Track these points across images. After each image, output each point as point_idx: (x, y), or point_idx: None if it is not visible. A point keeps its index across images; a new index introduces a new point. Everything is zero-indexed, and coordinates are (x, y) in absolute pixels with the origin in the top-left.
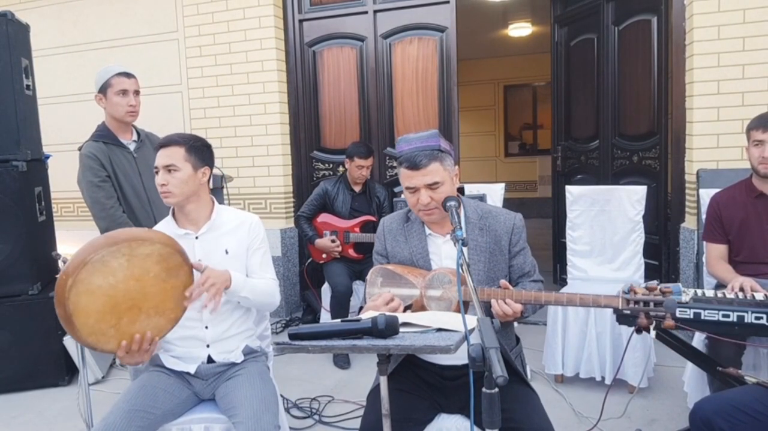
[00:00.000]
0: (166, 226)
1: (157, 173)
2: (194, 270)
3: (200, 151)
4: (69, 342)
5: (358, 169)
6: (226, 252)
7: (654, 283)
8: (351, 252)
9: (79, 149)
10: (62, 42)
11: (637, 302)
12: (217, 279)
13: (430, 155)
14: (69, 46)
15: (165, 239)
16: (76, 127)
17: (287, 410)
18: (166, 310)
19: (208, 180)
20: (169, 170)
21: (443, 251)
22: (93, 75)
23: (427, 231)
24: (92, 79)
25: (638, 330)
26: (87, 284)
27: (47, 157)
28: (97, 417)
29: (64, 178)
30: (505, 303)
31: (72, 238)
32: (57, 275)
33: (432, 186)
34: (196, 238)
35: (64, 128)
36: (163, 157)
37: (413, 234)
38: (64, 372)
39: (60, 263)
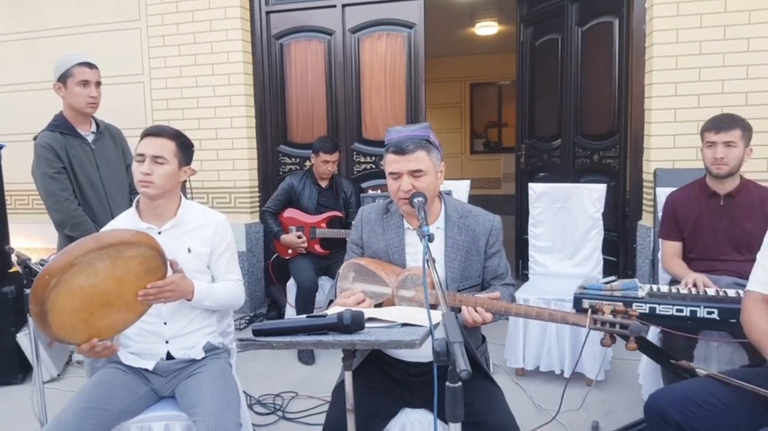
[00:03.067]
0: (127, 218)
1: (140, 161)
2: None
3: (188, 150)
4: (23, 339)
5: (324, 164)
6: (189, 251)
7: (612, 278)
8: (317, 248)
9: (34, 138)
10: (19, 28)
11: (603, 322)
12: (178, 288)
13: (418, 143)
14: (26, 33)
15: (150, 242)
16: (32, 116)
17: (250, 406)
18: (136, 305)
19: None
20: (157, 161)
21: (420, 246)
22: (51, 63)
23: (405, 225)
24: (50, 68)
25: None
26: (69, 284)
27: (0, 147)
28: (51, 415)
29: (18, 169)
30: (476, 311)
31: (26, 231)
32: (11, 269)
33: (415, 173)
34: (159, 233)
35: (19, 117)
36: (152, 146)
37: (391, 227)
38: (18, 369)
39: (13, 257)
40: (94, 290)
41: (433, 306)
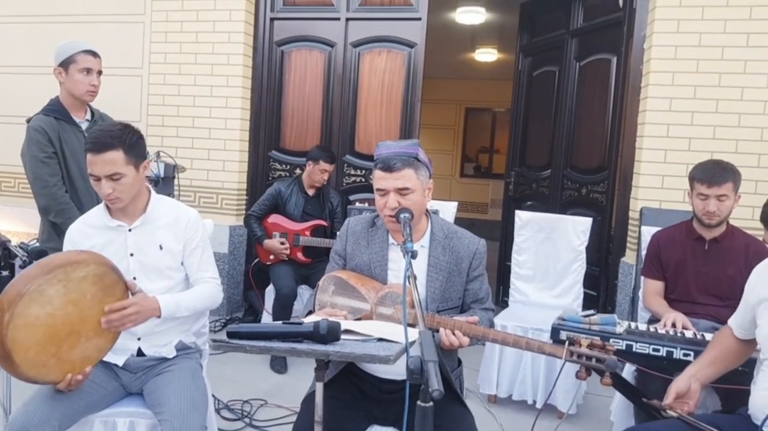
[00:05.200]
0: (97, 215)
1: (96, 180)
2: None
3: (137, 146)
4: None
5: (321, 173)
6: (161, 248)
7: (592, 311)
8: (299, 255)
9: (28, 121)
10: (22, 11)
11: (580, 355)
12: (143, 308)
13: (406, 161)
14: (29, 16)
15: (98, 258)
16: (28, 99)
17: (218, 411)
18: (105, 329)
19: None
20: (113, 179)
21: (403, 263)
22: (51, 48)
23: (390, 240)
24: (50, 52)
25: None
26: (24, 317)
27: None
28: (16, 402)
29: (7, 151)
30: (453, 335)
31: (12, 214)
32: None
33: (402, 191)
34: (129, 230)
35: (14, 99)
36: (101, 164)
37: (376, 241)
38: None
39: None
40: (54, 321)
41: (411, 325)
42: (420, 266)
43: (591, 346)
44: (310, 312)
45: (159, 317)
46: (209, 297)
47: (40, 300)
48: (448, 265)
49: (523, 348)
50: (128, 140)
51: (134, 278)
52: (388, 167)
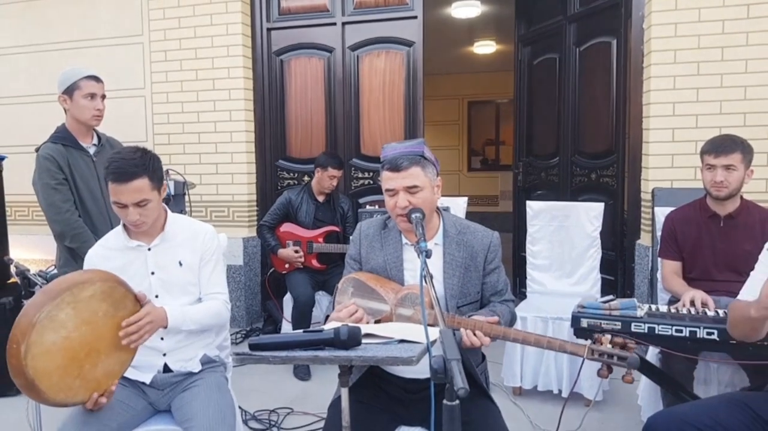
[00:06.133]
0: (115, 238)
1: (122, 208)
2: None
3: (158, 170)
4: None
5: (330, 179)
6: (180, 264)
7: (611, 297)
8: (314, 262)
9: (37, 150)
10: (23, 41)
11: (602, 354)
12: (156, 317)
13: (412, 159)
14: (30, 46)
15: (102, 275)
16: (34, 128)
17: (245, 422)
18: (124, 344)
19: None
20: (140, 205)
21: (418, 262)
22: (54, 76)
23: (404, 240)
24: (53, 81)
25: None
26: (40, 345)
27: (1, 158)
28: (47, 428)
29: (19, 180)
30: (474, 335)
31: (26, 243)
32: (10, 280)
33: (411, 189)
34: (149, 250)
35: (21, 128)
36: (127, 193)
37: (389, 242)
38: (13, 381)
39: (12, 268)
40: (71, 344)
41: (431, 325)
42: (436, 263)
43: (613, 344)
44: (327, 317)
45: (165, 327)
46: (216, 314)
47: (52, 326)
48: (463, 260)
49: (545, 347)
50: (150, 165)
51: (156, 296)
52: (395, 167)
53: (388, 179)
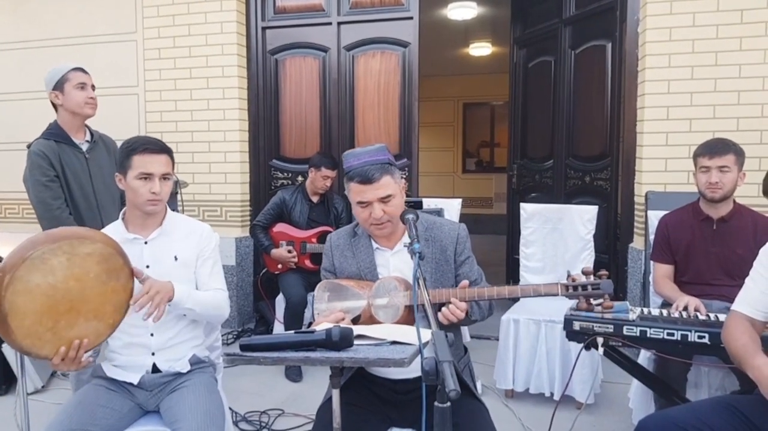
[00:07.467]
0: (114, 230)
1: (147, 179)
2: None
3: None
4: (8, 349)
5: (324, 179)
6: (176, 259)
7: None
8: (307, 263)
9: (28, 146)
10: (15, 38)
11: (576, 287)
12: (161, 288)
13: (382, 169)
14: (22, 42)
15: (106, 239)
16: (26, 125)
17: (236, 423)
18: (105, 314)
19: None
20: (165, 178)
21: (391, 264)
22: (46, 73)
23: (374, 245)
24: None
25: (587, 347)
26: (25, 282)
27: None
28: (35, 428)
29: (8, 177)
30: (449, 309)
31: (15, 241)
32: None
33: (385, 200)
34: (146, 243)
35: (13, 125)
36: (158, 164)
37: (360, 248)
38: (1, 380)
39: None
40: (54, 293)
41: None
42: (407, 263)
43: (585, 273)
44: (310, 324)
45: (172, 299)
46: (218, 306)
47: (42, 268)
48: (434, 255)
49: (519, 296)
50: (169, 148)
51: None
52: (367, 179)
53: (360, 192)
